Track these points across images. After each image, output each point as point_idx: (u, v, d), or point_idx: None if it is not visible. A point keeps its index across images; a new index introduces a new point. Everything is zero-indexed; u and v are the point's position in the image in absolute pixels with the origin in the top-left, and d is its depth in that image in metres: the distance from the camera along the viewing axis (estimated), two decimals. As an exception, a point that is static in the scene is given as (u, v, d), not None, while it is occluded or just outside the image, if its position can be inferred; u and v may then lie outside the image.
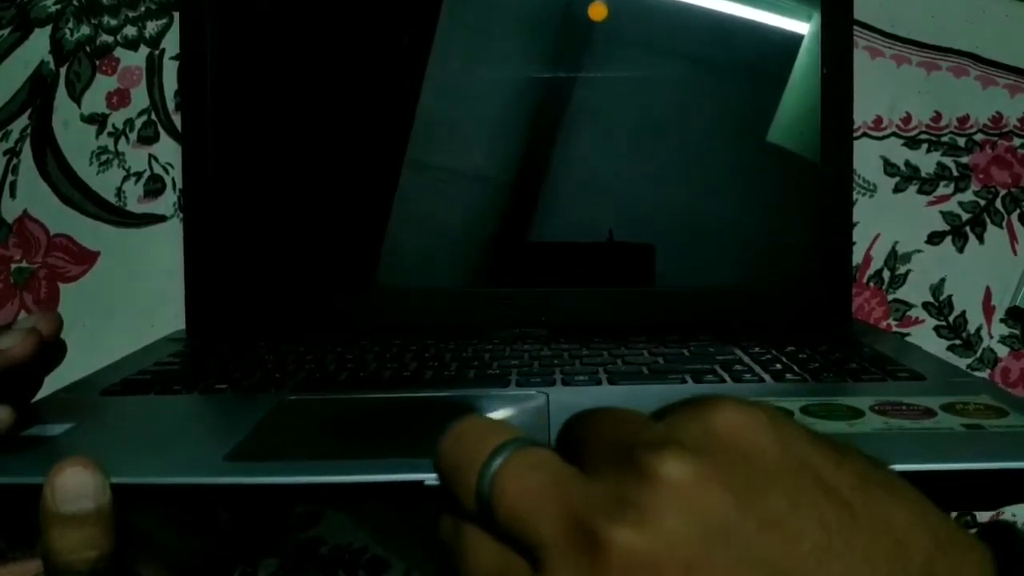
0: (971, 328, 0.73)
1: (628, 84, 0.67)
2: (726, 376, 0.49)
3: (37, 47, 0.72)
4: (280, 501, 0.37)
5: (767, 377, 0.49)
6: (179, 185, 0.72)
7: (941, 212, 0.73)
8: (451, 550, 0.29)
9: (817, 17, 0.66)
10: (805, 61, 0.67)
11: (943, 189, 0.73)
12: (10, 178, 0.72)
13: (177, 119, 0.72)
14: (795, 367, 0.51)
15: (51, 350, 0.44)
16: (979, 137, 0.72)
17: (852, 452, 0.27)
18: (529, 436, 0.29)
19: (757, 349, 0.55)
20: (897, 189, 0.73)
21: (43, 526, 0.34)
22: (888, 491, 0.26)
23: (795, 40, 0.67)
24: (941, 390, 0.44)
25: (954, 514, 0.73)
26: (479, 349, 0.57)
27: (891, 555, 0.25)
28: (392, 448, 0.39)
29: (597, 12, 0.67)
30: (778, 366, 0.51)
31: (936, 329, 0.73)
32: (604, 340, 0.59)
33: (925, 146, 0.72)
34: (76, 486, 0.34)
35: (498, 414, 0.44)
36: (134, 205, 0.73)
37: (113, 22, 0.72)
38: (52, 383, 0.50)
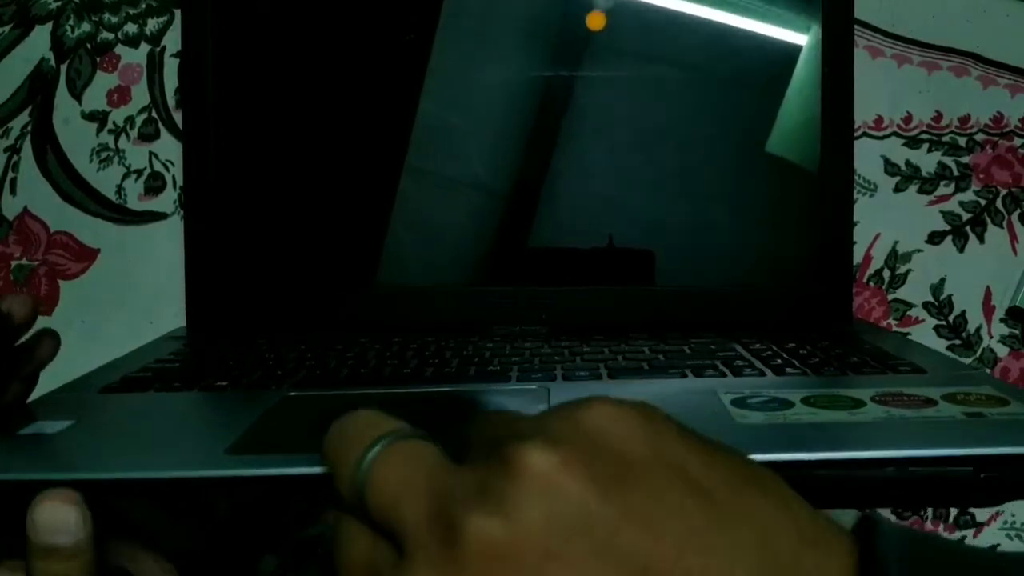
0: (971, 328, 0.73)
1: (626, 92, 0.67)
2: (726, 371, 0.49)
3: (38, 44, 0.72)
4: (281, 493, 0.36)
5: (768, 371, 0.49)
6: (179, 182, 0.72)
7: (941, 212, 0.73)
8: (332, 542, 0.29)
9: (818, 17, 0.66)
10: (806, 61, 0.67)
11: (944, 189, 0.73)
12: (10, 175, 0.72)
13: (178, 117, 0.72)
14: (796, 362, 0.51)
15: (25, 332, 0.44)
16: (980, 137, 0.72)
17: (723, 449, 0.27)
18: (413, 429, 0.29)
19: (758, 346, 0.55)
20: (898, 189, 0.73)
21: (27, 550, 0.34)
22: (757, 487, 0.26)
23: (796, 40, 0.67)
24: (942, 382, 0.43)
25: (955, 511, 0.73)
26: (479, 346, 0.57)
27: (757, 549, 0.25)
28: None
29: (595, 21, 0.67)
30: (779, 361, 0.51)
31: (936, 329, 0.73)
32: (605, 338, 0.59)
33: (926, 146, 0.73)
34: (55, 521, 0.34)
35: (498, 408, 0.44)
36: (134, 202, 0.73)
37: (114, 19, 0.72)
38: (52, 381, 0.50)
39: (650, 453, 0.26)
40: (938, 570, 0.25)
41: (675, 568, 0.24)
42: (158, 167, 0.73)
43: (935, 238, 0.73)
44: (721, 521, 0.25)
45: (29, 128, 0.72)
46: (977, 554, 0.26)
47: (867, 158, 0.72)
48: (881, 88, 0.72)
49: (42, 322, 0.72)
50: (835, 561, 0.25)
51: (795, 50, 0.67)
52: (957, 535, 0.73)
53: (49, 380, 0.63)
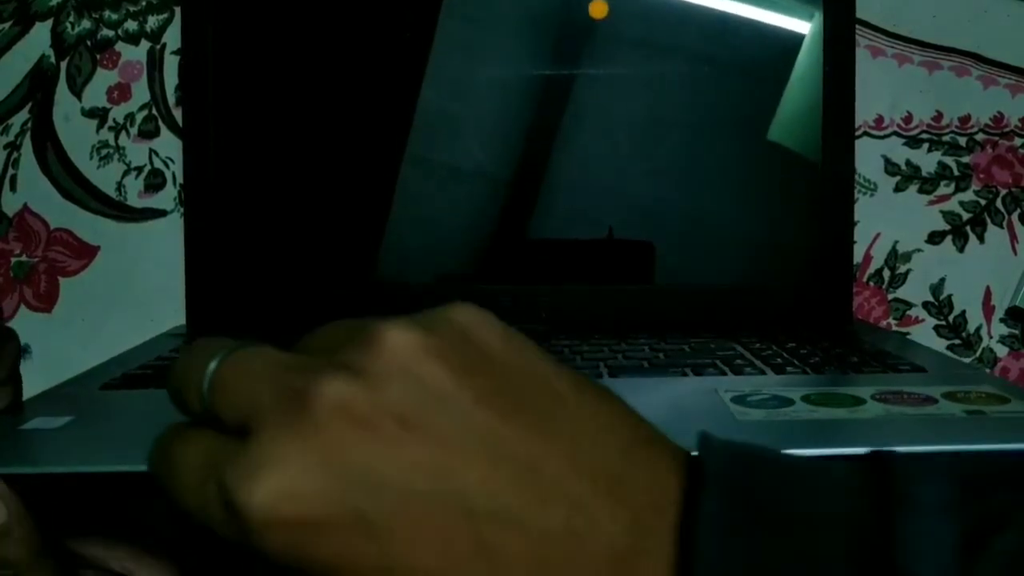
0: (971, 328, 0.73)
1: (628, 82, 0.67)
2: (727, 370, 0.49)
3: (38, 41, 0.72)
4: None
5: (768, 370, 0.49)
6: (179, 180, 0.72)
7: (942, 212, 0.73)
8: (161, 476, 0.27)
9: (819, 16, 0.66)
10: (806, 59, 0.67)
11: (944, 189, 0.73)
12: (10, 172, 0.72)
13: (178, 114, 0.72)
14: (796, 361, 0.51)
15: None
16: (980, 137, 0.72)
17: (572, 370, 0.28)
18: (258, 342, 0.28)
19: (758, 345, 0.55)
20: (898, 188, 0.73)
21: None
22: (602, 396, 0.27)
23: (796, 39, 0.67)
24: (942, 380, 0.43)
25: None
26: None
27: (595, 442, 0.25)
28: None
29: (598, 10, 0.67)
30: (779, 360, 0.51)
31: (936, 329, 0.73)
32: (604, 336, 0.59)
33: (926, 145, 0.73)
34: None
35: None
36: (134, 199, 0.73)
37: (114, 16, 0.72)
38: (52, 378, 0.50)
39: (509, 351, 0.27)
40: (758, 476, 0.25)
41: (520, 449, 0.25)
42: (158, 164, 0.72)
43: (935, 238, 0.73)
44: (568, 413, 0.26)
45: (29, 125, 0.72)
46: (802, 460, 0.27)
47: (867, 158, 0.72)
48: (882, 88, 0.72)
49: (42, 319, 0.72)
50: (665, 459, 0.26)
51: (797, 45, 0.67)
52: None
53: (49, 377, 0.63)
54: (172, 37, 0.72)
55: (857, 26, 0.70)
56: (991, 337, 0.73)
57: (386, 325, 0.26)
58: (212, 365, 0.27)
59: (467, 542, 0.24)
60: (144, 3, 0.72)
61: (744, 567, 0.23)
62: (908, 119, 0.73)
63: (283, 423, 0.24)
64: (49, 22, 0.72)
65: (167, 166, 0.72)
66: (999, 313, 0.73)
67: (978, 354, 0.73)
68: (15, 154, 0.72)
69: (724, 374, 0.48)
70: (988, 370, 0.73)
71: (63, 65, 0.72)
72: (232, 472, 0.24)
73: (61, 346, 0.72)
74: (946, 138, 0.73)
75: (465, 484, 0.24)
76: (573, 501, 0.24)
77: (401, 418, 0.24)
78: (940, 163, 0.73)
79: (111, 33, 0.72)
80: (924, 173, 0.73)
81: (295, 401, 0.24)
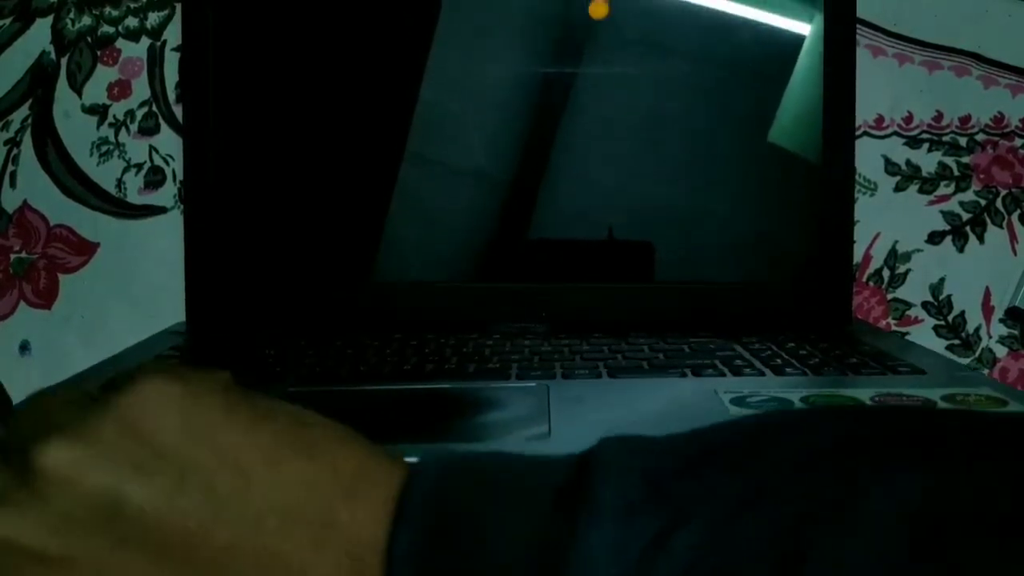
0: (970, 328, 0.73)
1: (628, 82, 0.67)
2: (726, 371, 0.49)
3: (38, 37, 0.72)
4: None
5: (767, 372, 0.49)
6: (179, 177, 0.72)
7: (941, 212, 0.73)
8: None
9: (819, 17, 0.66)
10: (807, 59, 0.67)
11: (944, 189, 0.73)
12: (10, 168, 0.72)
13: (178, 111, 0.72)
14: (795, 362, 0.51)
15: None
16: (980, 137, 0.72)
17: (274, 417, 0.28)
18: None
19: (757, 345, 0.55)
20: (898, 188, 0.73)
21: None
22: (302, 453, 0.27)
23: (797, 39, 0.67)
24: (941, 383, 0.44)
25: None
26: (479, 344, 0.57)
27: (288, 510, 0.26)
28: (392, 439, 0.39)
29: (598, 10, 0.67)
30: (778, 361, 0.51)
31: (935, 329, 0.73)
32: (605, 336, 0.59)
33: (926, 145, 0.73)
34: None
35: (498, 405, 0.44)
36: (134, 196, 0.73)
37: (115, 13, 0.72)
38: (51, 376, 0.50)
39: (185, 436, 0.26)
40: (454, 507, 0.25)
41: (209, 539, 0.25)
42: (158, 161, 0.72)
43: (935, 238, 0.73)
44: (253, 493, 0.26)
45: (29, 121, 0.72)
46: (508, 471, 0.27)
47: (867, 157, 0.72)
48: (882, 87, 0.72)
49: (42, 316, 0.72)
50: (380, 498, 0.26)
51: (798, 46, 0.67)
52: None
53: (49, 374, 0.63)
54: (172, 34, 0.72)
55: (858, 26, 0.70)
56: (990, 337, 0.73)
57: (43, 445, 0.26)
58: None
59: None
60: (144, 0, 0.72)
61: None
62: (908, 119, 0.73)
63: None
64: (50, 18, 0.72)
65: (167, 163, 0.72)
66: (998, 313, 0.73)
67: (977, 354, 0.73)
68: (15, 150, 0.72)
69: (723, 375, 0.48)
70: (987, 372, 0.73)
71: (63, 61, 0.72)
72: None
73: (60, 343, 0.72)
74: (946, 138, 0.72)
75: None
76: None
77: (65, 550, 0.25)
78: (940, 163, 0.73)
79: (111, 29, 0.72)
80: (924, 173, 0.73)
81: None
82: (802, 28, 0.67)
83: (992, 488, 0.22)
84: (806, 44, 0.67)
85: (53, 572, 0.25)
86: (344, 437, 0.28)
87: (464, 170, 0.68)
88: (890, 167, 0.73)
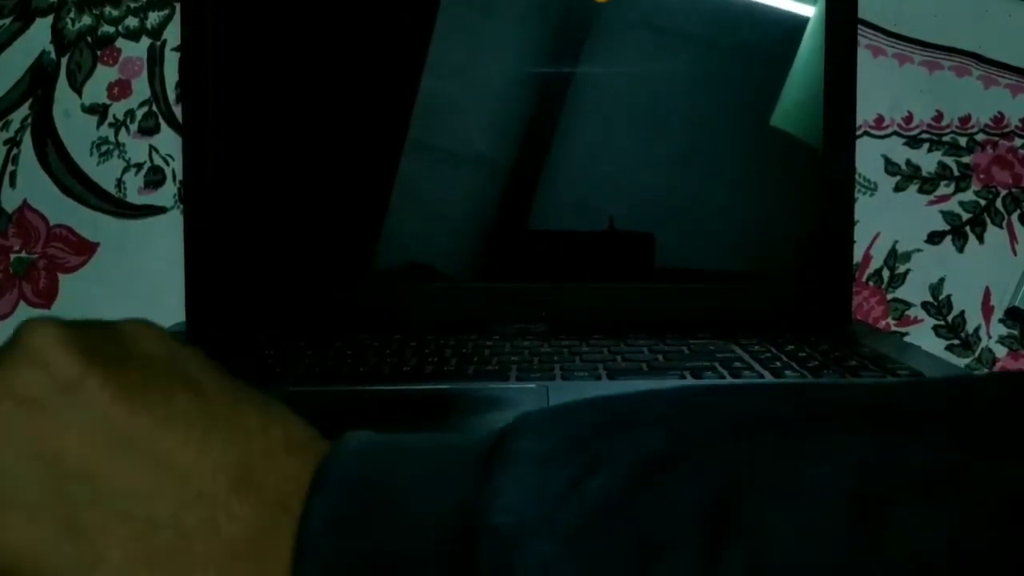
0: (970, 328, 0.73)
1: (632, 67, 0.67)
2: (725, 373, 0.49)
3: (38, 37, 0.72)
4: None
5: (766, 374, 0.49)
6: (179, 176, 0.72)
7: (941, 212, 0.73)
8: None
9: (822, 3, 0.66)
10: (809, 53, 0.67)
11: (944, 189, 0.73)
12: (10, 168, 0.72)
13: (178, 111, 0.72)
14: (795, 364, 0.51)
15: None
16: (980, 137, 0.72)
17: (233, 380, 0.28)
18: None
19: (756, 347, 0.55)
20: (898, 188, 0.73)
21: None
22: (251, 403, 0.27)
23: (799, 26, 0.67)
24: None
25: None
26: (479, 345, 0.57)
27: (232, 438, 0.26)
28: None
29: None
30: (777, 364, 0.51)
31: (935, 329, 0.73)
32: (604, 337, 0.59)
33: (926, 145, 0.72)
34: None
35: (498, 406, 0.44)
36: (134, 196, 0.73)
37: (115, 12, 0.72)
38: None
39: (158, 351, 0.28)
40: (375, 468, 0.26)
41: (144, 439, 0.25)
42: (158, 161, 0.72)
43: (935, 238, 0.73)
44: (206, 413, 0.26)
45: (29, 121, 0.72)
46: (428, 444, 0.27)
47: (867, 157, 0.72)
48: (882, 87, 0.72)
49: (42, 315, 0.72)
50: (306, 459, 0.26)
51: (800, 34, 0.67)
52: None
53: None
54: (172, 34, 0.72)
55: (858, 25, 0.70)
56: (990, 337, 0.73)
57: (33, 319, 0.27)
58: None
59: (58, 521, 0.24)
60: (144, 0, 0.72)
61: (346, 564, 0.24)
62: (908, 119, 0.73)
63: None
64: (50, 18, 0.72)
65: (167, 163, 0.72)
66: (998, 313, 0.73)
67: (977, 355, 0.73)
68: (15, 150, 0.72)
69: (723, 377, 0.48)
70: (986, 371, 0.73)
71: (63, 61, 0.72)
72: None
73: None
74: (946, 138, 0.72)
75: (67, 463, 0.25)
76: (192, 495, 0.25)
77: (19, 398, 0.25)
78: (940, 163, 0.73)
79: (111, 29, 0.72)
80: (924, 173, 0.73)
81: None
82: (805, 14, 0.66)
83: (930, 454, 0.21)
84: (808, 34, 0.67)
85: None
86: (272, 407, 0.28)
87: (465, 159, 0.68)
88: (890, 167, 0.73)
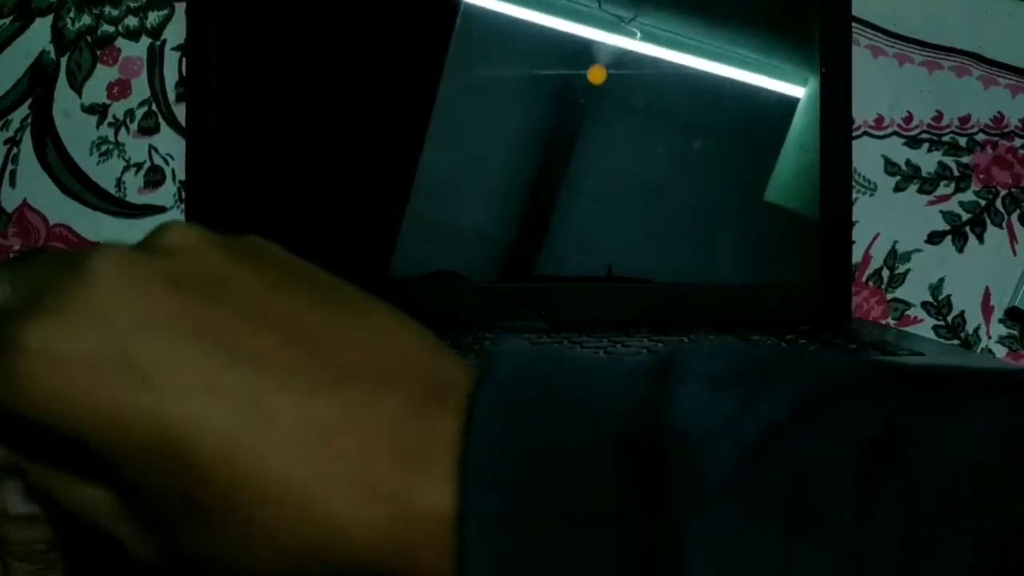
0: (969, 328, 0.73)
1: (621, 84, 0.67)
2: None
3: (38, 36, 0.72)
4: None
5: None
6: (179, 176, 0.72)
7: (941, 212, 0.73)
8: None
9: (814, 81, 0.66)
10: (808, 66, 0.67)
11: (943, 189, 0.73)
12: (10, 167, 0.72)
13: (178, 110, 0.72)
14: (795, 356, 0.51)
15: None
16: (980, 137, 0.72)
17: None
18: None
19: (757, 338, 0.55)
20: (897, 188, 0.73)
21: None
22: (396, 311, 0.28)
23: (799, 40, 0.67)
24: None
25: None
26: (478, 338, 0.57)
27: (384, 336, 0.27)
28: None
29: (596, 76, 0.67)
30: (778, 355, 0.51)
31: (935, 329, 0.73)
32: (604, 331, 0.59)
33: (926, 145, 0.73)
34: (21, 491, 0.34)
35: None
36: (134, 196, 0.73)
37: (115, 12, 0.72)
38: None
39: (297, 263, 0.29)
40: (543, 366, 0.25)
41: (305, 328, 0.26)
42: (158, 161, 0.72)
43: (934, 238, 0.73)
44: (357, 312, 0.27)
45: (29, 120, 0.72)
46: (595, 360, 0.27)
47: (867, 157, 0.72)
48: (882, 87, 0.72)
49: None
50: (459, 364, 0.26)
51: (794, 50, 0.67)
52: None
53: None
54: (172, 33, 0.72)
55: (858, 26, 0.70)
56: (990, 338, 0.73)
57: (170, 222, 0.27)
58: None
59: (233, 396, 0.24)
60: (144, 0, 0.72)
61: (515, 439, 0.23)
62: (908, 119, 0.73)
63: (63, 281, 0.25)
64: (49, 18, 0.72)
65: (167, 163, 0.72)
66: (998, 314, 0.73)
67: (977, 355, 0.73)
68: (15, 150, 0.72)
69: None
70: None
71: (63, 61, 0.72)
72: (7, 317, 0.24)
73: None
74: (946, 138, 0.73)
75: (226, 341, 0.24)
76: (349, 376, 0.25)
77: (175, 282, 0.25)
78: (940, 163, 0.73)
79: (111, 29, 0.72)
80: (924, 173, 0.73)
81: (75, 263, 0.25)
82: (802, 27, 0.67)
83: None
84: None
85: (158, 301, 0.25)
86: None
87: (471, 180, 0.68)
88: (890, 167, 0.73)
